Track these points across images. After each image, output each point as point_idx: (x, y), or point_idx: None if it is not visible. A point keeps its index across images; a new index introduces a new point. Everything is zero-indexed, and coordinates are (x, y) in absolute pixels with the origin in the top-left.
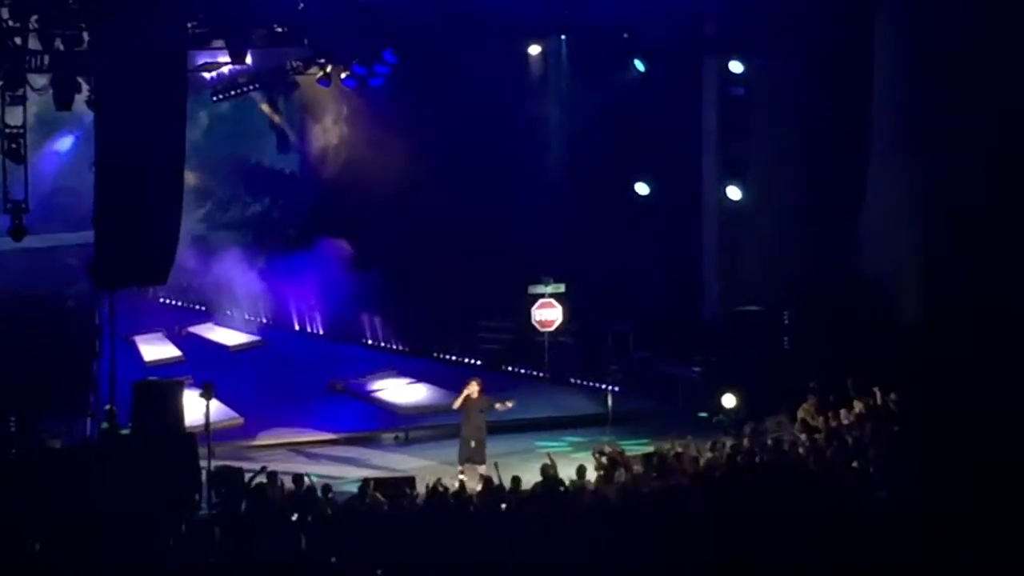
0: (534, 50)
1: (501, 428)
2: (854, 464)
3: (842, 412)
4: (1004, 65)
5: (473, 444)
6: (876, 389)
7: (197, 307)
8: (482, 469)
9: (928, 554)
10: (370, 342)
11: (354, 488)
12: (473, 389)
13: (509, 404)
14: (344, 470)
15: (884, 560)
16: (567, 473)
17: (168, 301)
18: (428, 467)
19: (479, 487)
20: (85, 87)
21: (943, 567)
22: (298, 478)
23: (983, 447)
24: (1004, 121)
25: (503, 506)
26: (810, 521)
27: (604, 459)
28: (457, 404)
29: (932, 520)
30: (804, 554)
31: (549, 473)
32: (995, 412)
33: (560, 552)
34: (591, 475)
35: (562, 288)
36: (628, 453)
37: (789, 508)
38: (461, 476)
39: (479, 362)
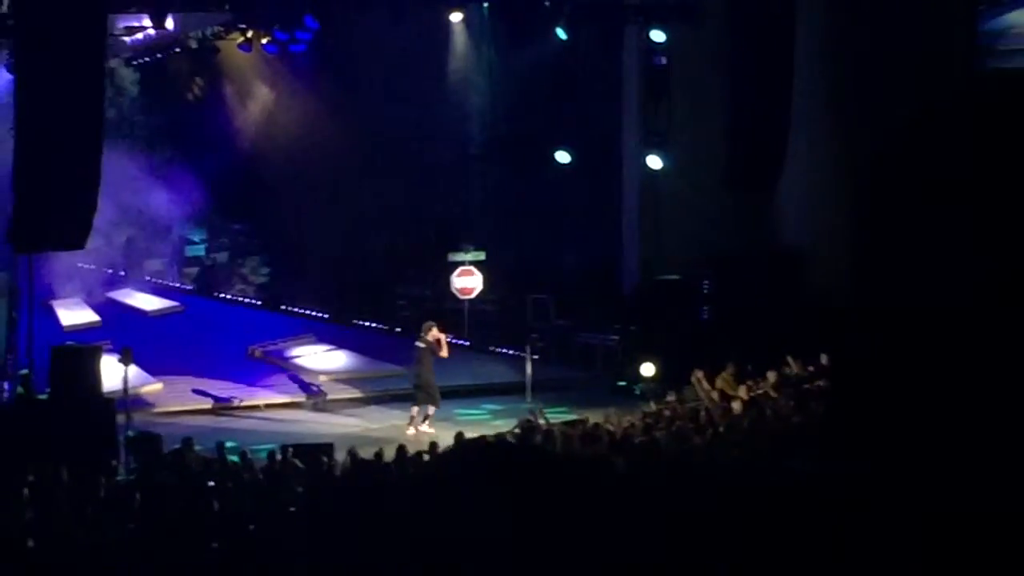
0: (456, 17)
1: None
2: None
3: (760, 381)
4: (927, 32)
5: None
6: (789, 358)
7: (116, 272)
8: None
9: (834, 525)
10: (289, 309)
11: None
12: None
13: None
14: (262, 436)
15: (790, 530)
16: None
17: (87, 266)
18: (346, 434)
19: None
20: (4, 50)
21: (848, 540)
22: (218, 444)
23: (897, 425)
24: (927, 93)
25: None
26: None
27: (519, 428)
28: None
29: (840, 493)
30: (707, 522)
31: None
32: (914, 390)
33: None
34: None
35: (482, 256)
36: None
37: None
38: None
39: (399, 329)
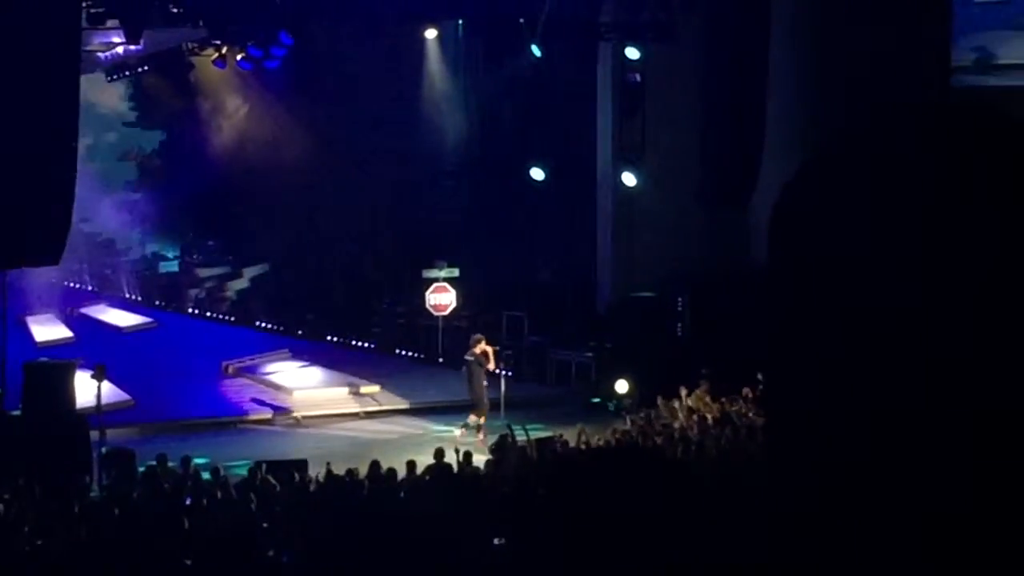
0: (430, 34)
1: (393, 412)
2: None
3: (735, 399)
4: (901, 51)
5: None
6: (760, 376)
7: (90, 288)
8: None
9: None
10: (264, 325)
11: (245, 471)
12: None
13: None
14: (236, 452)
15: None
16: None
17: (61, 282)
18: (320, 450)
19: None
20: None
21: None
22: (187, 460)
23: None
24: (897, 108)
25: (400, 492)
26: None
27: (493, 444)
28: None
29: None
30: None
31: (440, 457)
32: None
33: (449, 533)
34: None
35: (456, 272)
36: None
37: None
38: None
39: (373, 345)
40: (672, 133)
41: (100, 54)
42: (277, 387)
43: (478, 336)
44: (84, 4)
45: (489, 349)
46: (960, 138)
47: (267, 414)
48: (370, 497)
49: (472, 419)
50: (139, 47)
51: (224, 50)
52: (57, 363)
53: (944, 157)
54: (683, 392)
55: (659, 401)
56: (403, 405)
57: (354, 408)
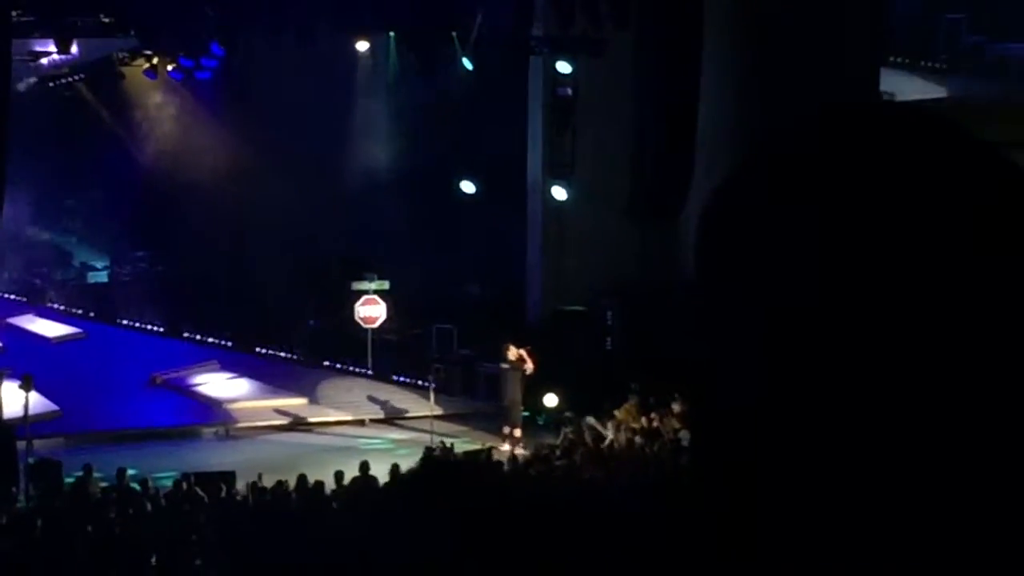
0: (362, 46)
1: (322, 423)
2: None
3: (663, 412)
4: (834, 65)
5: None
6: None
7: (18, 298)
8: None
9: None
10: (193, 336)
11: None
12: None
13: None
14: (164, 464)
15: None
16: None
17: None
18: (248, 462)
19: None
20: None
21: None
22: (119, 472)
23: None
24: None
25: (329, 501)
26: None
27: (423, 458)
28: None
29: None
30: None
31: (366, 470)
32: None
33: (372, 544)
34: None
35: (386, 285)
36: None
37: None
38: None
39: (302, 357)
40: (603, 147)
41: (30, 63)
42: (206, 398)
43: (507, 343)
44: (14, 13)
45: (523, 352)
46: (908, 141)
47: (195, 425)
48: (298, 511)
49: (516, 432)
50: (69, 56)
51: (155, 60)
52: None
53: (893, 160)
54: (591, 420)
55: (587, 420)
56: (332, 417)
57: (283, 420)
